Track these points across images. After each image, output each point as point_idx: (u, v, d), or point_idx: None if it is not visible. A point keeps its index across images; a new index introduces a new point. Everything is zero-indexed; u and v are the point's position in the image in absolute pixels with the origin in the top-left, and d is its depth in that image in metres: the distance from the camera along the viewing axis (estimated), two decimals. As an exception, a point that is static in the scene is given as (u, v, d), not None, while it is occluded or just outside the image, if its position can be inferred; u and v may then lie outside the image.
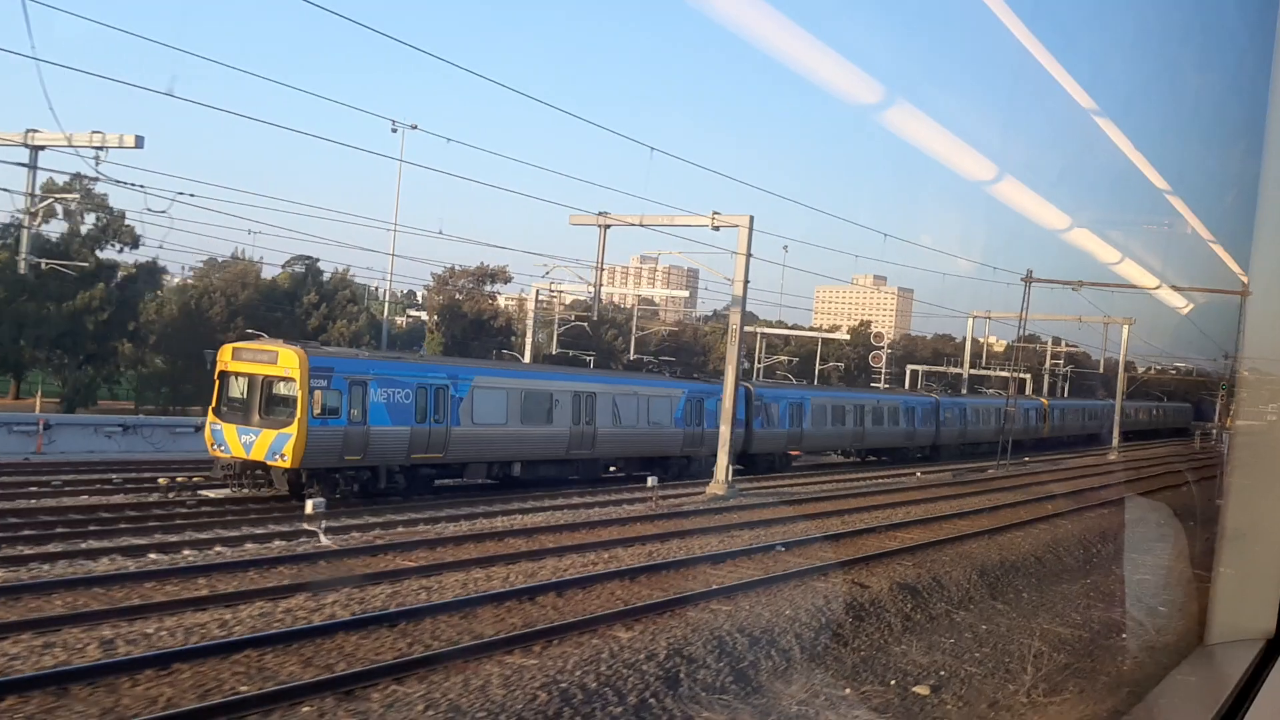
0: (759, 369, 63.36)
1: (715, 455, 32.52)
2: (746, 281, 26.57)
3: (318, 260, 56.33)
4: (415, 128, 35.30)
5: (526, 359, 45.77)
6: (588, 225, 28.51)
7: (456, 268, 65.58)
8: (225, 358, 21.98)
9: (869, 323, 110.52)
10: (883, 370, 58.06)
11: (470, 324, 63.18)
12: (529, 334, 47.94)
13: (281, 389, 21.01)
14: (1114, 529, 26.07)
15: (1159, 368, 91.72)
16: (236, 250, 56.91)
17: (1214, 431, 52.81)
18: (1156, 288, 32.52)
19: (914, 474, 37.06)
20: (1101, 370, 69.76)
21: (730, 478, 26.47)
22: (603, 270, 28.54)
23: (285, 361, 20.90)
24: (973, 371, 67.68)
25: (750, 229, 26.35)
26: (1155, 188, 12.16)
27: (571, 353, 50.53)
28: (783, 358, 64.35)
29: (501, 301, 64.29)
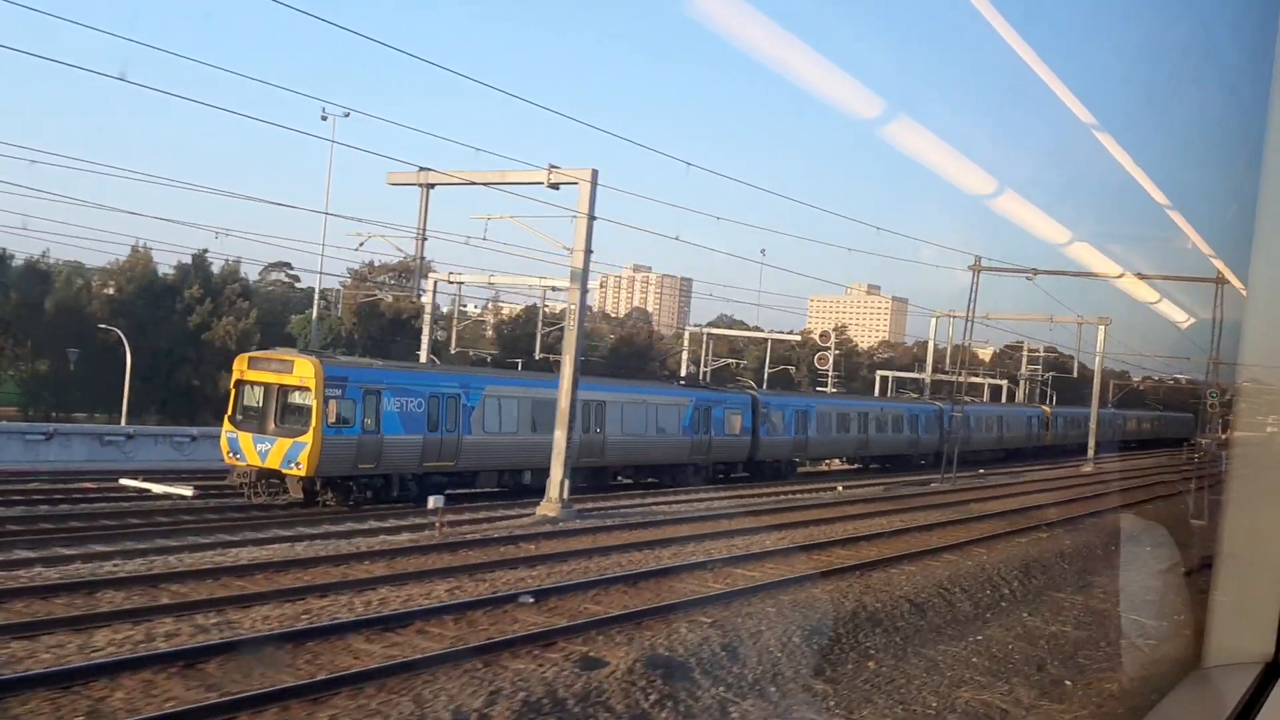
0: (705, 372, 58.63)
1: (724, 463, 33.24)
2: (589, 251, 21.36)
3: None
4: (348, 114, 30.96)
5: (423, 359, 40.82)
6: (408, 185, 23.42)
7: (376, 263, 60.71)
8: (241, 367, 22.41)
9: (845, 327, 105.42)
10: (829, 373, 52.77)
11: (389, 323, 58.15)
12: (425, 332, 42.79)
13: (297, 398, 21.23)
14: (1046, 558, 20.86)
15: (1159, 377, 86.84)
16: (137, 244, 51.86)
17: (1201, 444, 48.17)
18: (1157, 301, 33.78)
19: (835, 488, 31.91)
20: (1075, 375, 64.72)
21: (566, 495, 21.21)
22: (424, 240, 23.31)
23: (301, 371, 21.17)
24: (939, 377, 64.93)
25: (594, 184, 21.20)
26: (1155, 202, 12.22)
27: (472, 352, 45.34)
28: (731, 361, 59.18)
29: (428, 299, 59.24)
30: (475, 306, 68.17)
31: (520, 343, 58.43)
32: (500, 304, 70.42)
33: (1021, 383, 70.73)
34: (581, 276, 21.32)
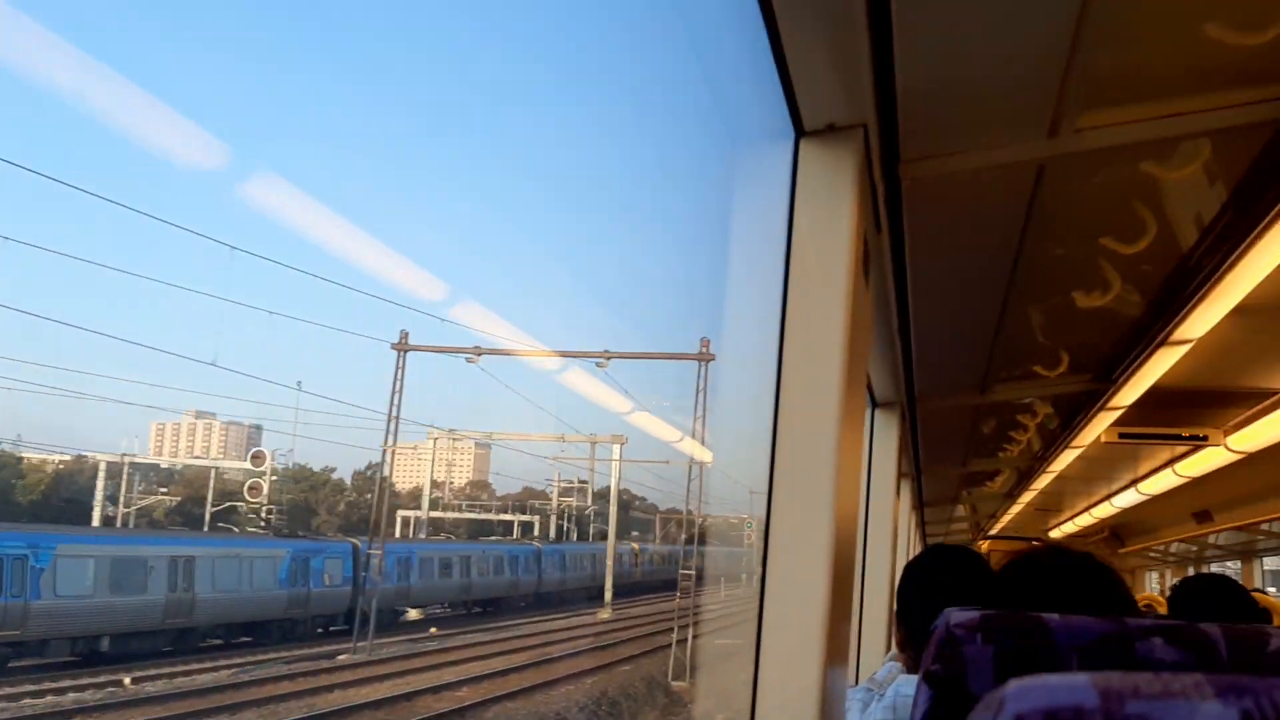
0: (128, 512, 45.19)
1: (324, 615, 32.39)
2: None
3: None
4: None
5: None
6: None
7: None
8: None
9: (376, 464, 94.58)
10: (261, 507, 41.49)
11: None
12: None
13: None
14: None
15: (725, 516, 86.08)
16: None
17: (684, 585, 43.87)
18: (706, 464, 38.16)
19: (124, 681, 19.98)
20: (642, 508, 59.43)
21: None
22: None
23: None
24: (437, 515, 61.19)
25: None
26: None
27: None
28: (165, 496, 45.89)
29: None
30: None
31: None
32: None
33: (552, 517, 63.59)
34: None
